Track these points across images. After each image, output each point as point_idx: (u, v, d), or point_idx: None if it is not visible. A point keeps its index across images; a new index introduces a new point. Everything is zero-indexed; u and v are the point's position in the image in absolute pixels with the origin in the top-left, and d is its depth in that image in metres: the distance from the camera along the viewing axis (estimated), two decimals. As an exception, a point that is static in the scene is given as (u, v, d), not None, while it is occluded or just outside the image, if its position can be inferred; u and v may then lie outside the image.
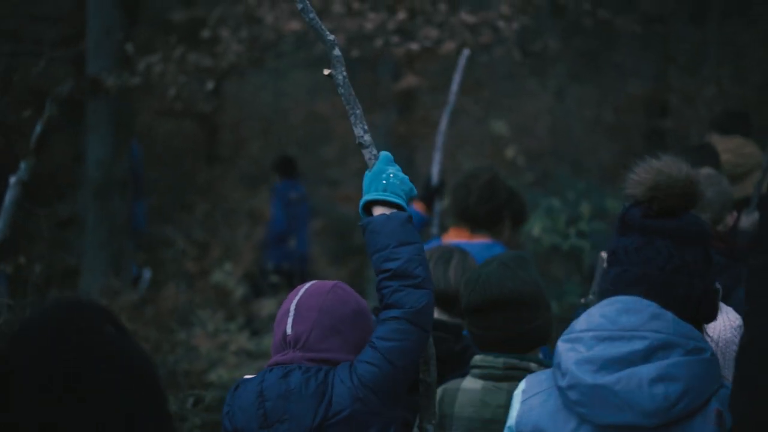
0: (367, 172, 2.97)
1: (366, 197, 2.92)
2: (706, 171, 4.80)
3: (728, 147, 6.94)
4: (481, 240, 4.85)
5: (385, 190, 2.90)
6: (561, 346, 2.37)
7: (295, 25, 7.88)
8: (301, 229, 10.56)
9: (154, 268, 9.28)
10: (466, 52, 5.98)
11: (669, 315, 2.31)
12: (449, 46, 7.77)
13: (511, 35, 7.76)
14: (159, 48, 8.45)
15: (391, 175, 2.93)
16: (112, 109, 8.18)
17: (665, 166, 2.45)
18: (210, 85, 8.18)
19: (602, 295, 2.45)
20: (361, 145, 2.98)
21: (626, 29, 9.43)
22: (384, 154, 2.99)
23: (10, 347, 1.82)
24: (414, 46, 7.54)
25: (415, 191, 2.97)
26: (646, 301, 2.33)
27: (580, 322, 2.38)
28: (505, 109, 12.73)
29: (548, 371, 2.47)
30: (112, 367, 1.83)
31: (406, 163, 10.72)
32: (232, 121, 14.78)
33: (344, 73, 2.98)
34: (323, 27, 2.96)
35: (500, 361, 3.10)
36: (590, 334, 2.32)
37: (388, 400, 2.81)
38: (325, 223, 13.70)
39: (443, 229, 5.49)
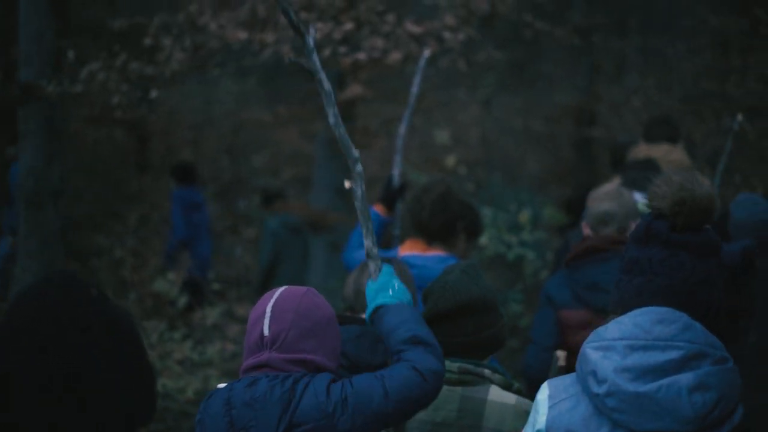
0: (370, 282, 3.14)
1: (377, 302, 3.07)
2: (606, 187, 5.03)
3: (655, 154, 7.15)
4: (436, 253, 4.93)
5: (393, 297, 3.09)
6: (592, 353, 2.45)
7: (240, 34, 7.86)
8: (202, 235, 10.49)
9: (87, 278, 9.16)
10: (425, 54, 6.01)
11: (699, 325, 2.42)
12: (395, 56, 7.84)
13: (457, 46, 7.85)
14: (92, 55, 8.35)
15: (396, 286, 3.12)
16: (44, 117, 8.02)
17: (687, 182, 2.55)
18: (153, 94, 8.11)
19: (623, 302, 2.57)
20: (368, 256, 3.14)
21: (564, 41, 9.59)
22: (387, 267, 3.15)
23: (12, 315, 1.93)
24: (362, 56, 7.58)
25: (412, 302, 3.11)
26: (678, 312, 2.42)
27: (611, 331, 2.46)
28: (440, 119, 12.86)
29: (571, 377, 2.55)
30: (101, 327, 1.92)
31: (347, 171, 10.74)
32: (162, 129, 14.65)
33: (363, 188, 3.15)
34: (351, 143, 3.15)
35: (456, 366, 3.21)
36: (624, 342, 2.41)
37: (360, 429, 2.85)
38: (258, 231, 13.67)
39: (404, 231, 5.53)
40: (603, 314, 4.68)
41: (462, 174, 9.71)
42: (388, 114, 11.34)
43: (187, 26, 8.44)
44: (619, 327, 2.45)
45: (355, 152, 3.16)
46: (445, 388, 3.16)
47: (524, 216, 8.28)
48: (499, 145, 14.94)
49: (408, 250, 5.02)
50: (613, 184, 5.22)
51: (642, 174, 6.34)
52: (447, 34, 7.81)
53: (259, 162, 14.87)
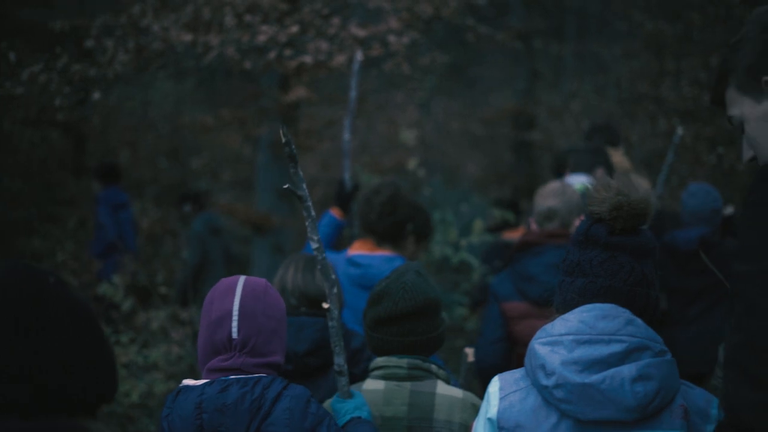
0: (337, 397, 3.27)
1: (357, 414, 3.20)
2: (552, 185, 5.18)
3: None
4: (382, 253, 4.98)
5: (368, 415, 3.24)
6: (540, 349, 2.56)
7: (185, 37, 7.82)
8: (128, 236, 10.43)
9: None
10: (357, 57, 6.06)
11: (639, 321, 2.56)
12: (340, 59, 7.86)
13: (401, 49, 7.90)
14: (32, 56, 8.25)
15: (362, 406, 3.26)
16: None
17: (624, 187, 2.66)
18: (96, 96, 8.03)
19: (566, 303, 2.67)
20: (339, 373, 3.25)
21: (504, 45, 9.69)
22: (362, 400, 3.26)
23: None
24: (307, 59, 7.59)
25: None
26: (621, 309, 2.57)
27: (558, 327, 2.57)
28: (383, 121, 12.91)
29: (520, 371, 2.67)
30: (59, 312, 1.98)
31: (288, 173, 10.71)
32: (100, 132, 14.49)
33: (337, 309, 3.22)
34: (330, 271, 3.20)
35: (404, 361, 3.33)
36: (570, 337, 2.53)
37: None
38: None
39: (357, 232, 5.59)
40: (537, 305, 4.86)
41: (410, 178, 9.76)
42: (330, 116, 11.36)
43: (130, 28, 8.37)
44: (565, 323, 2.57)
45: (333, 275, 3.24)
46: (394, 384, 3.31)
47: (478, 224, 8.34)
48: (439, 147, 15.03)
49: (357, 249, 5.09)
50: (558, 182, 5.35)
51: (587, 157, 6.57)
52: (392, 38, 7.85)
53: (199, 164, 14.76)
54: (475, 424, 2.68)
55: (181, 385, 3.09)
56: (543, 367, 2.53)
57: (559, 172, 7.43)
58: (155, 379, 7.48)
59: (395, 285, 3.40)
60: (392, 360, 3.34)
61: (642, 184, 2.82)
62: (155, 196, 14.30)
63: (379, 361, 3.37)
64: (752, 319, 1.76)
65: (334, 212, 5.49)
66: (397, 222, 5.01)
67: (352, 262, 5.03)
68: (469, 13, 10.20)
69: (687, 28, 13.22)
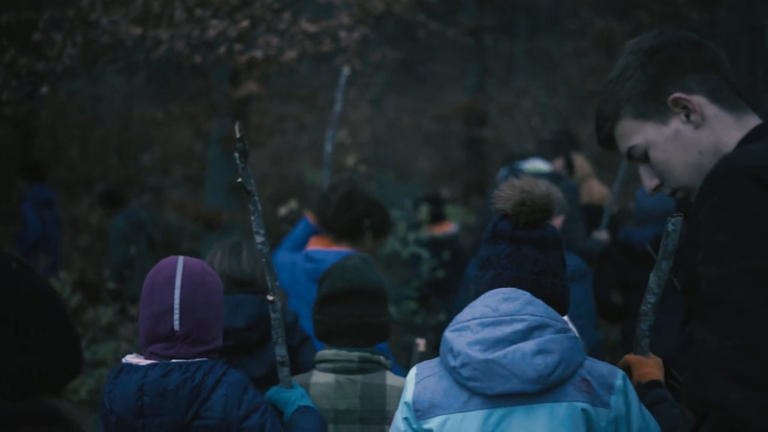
0: (278, 387, 3.35)
1: (302, 403, 3.28)
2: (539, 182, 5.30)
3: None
4: (341, 248, 5.02)
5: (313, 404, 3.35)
6: (449, 335, 2.72)
7: (134, 31, 7.76)
8: (53, 235, 10.36)
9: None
10: (345, 71, 6.19)
11: (540, 302, 2.74)
12: (290, 54, 7.85)
13: (352, 45, 7.90)
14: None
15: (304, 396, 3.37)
16: None
17: (527, 185, 2.85)
18: (44, 90, 7.93)
19: (479, 295, 2.82)
20: (282, 363, 3.32)
21: (455, 42, 9.73)
22: (302, 390, 3.35)
23: None
24: (258, 54, 7.57)
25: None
26: (521, 291, 2.75)
27: (464, 314, 2.75)
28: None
29: (436, 359, 2.80)
30: (24, 297, 2.05)
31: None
32: (49, 126, 14.32)
33: (279, 302, 3.31)
34: (272, 265, 3.26)
35: (355, 354, 3.37)
36: (476, 321, 2.69)
37: None
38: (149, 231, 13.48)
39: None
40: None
41: (362, 172, 9.74)
42: (281, 112, 11.33)
43: (78, 21, 8.29)
44: (471, 309, 2.75)
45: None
46: (345, 377, 3.35)
47: (424, 212, 8.39)
48: (390, 143, 15.05)
49: (314, 245, 5.15)
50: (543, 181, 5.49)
51: (548, 147, 6.81)
52: (342, 33, 7.85)
53: (150, 160, 14.64)
54: (397, 411, 2.79)
55: (123, 362, 3.16)
56: (451, 350, 2.69)
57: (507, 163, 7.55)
58: (104, 376, 7.44)
59: (337, 267, 3.48)
60: (342, 353, 3.37)
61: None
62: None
63: (328, 354, 3.39)
64: (743, 320, 1.75)
65: (310, 217, 5.53)
66: (354, 218, 5.06)
67: (308, 257, 5.07)
68: (421, 10, 10.23)
69: (636, 27, 13.35)
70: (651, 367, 3.02)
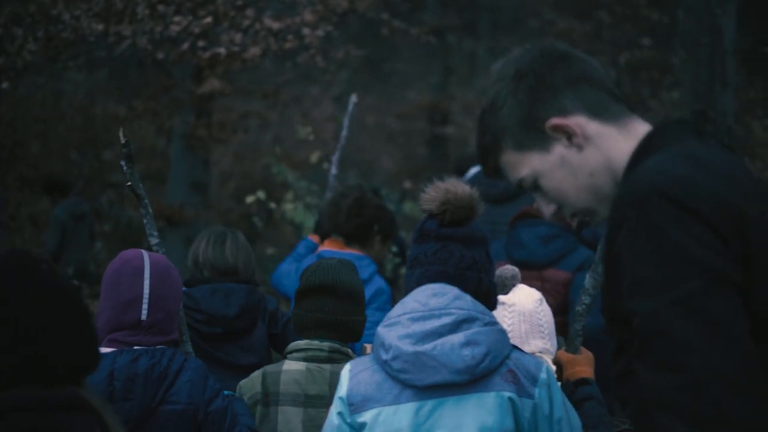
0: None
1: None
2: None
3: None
4: (352, 251, 5.16)
5: None
6: (382, 330, 2.80)
7: (96, 26, 7.74)
8: None
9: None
10: (353, 98, 6.35)
11: (468, 296, 2.81)
12: (254, 51, 7.86)
13: (315, 42, 7.92)
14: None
15: None
16: None
17: (451, 185, 2.94)
18: (4, 85, 7.91)
19: (409, 292, 2.89)
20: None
21: (419, 40, 9.77)
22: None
23: None
24: (221, 51, 7.57)
25: None
26: (449, 286, 2.82)
27: (396, 310, 2.82)
28: (297, 114, 12.90)
29: (370, 355, 2.87)
30: (52, 295, 2.21)
31: (203, 165, 10.70)
32: (8, 122, 14.18)
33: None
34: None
35: (326, 345, 3.48)
36: (406, 316, 2.77)
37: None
38: (112, 225, 13.45)
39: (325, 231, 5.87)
40: (519, 266, 5.14)
41: (324, 170, 9.74)
42: (245, 109, 11.32)
43: (40, 16, 8.25)
44: (402, 305, 2.82)
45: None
46: (315, 365, 3.47)
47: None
48: (353, 141, 15.03)
49: (326, 247, 5.32)
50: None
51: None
52: (306, 31, 7.87)
53: (112, 156, 14.55)
54: (331, 406, 2.85)
55: None
56: (383, 344, 2.76)
57: (461, 171, 7.68)
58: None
59: (313, 264, 3.60)
60: (314, 343, 3.48)
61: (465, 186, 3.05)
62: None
63: (301, 344, 3.50)
64: (683, 356, 1.65)
65: (313, 238, 5.79)
66: (363, 224, 5.23)
67: (321, 257, 5.17)
68: (384, 8, 10.27)
69: (597, 26, 13.48)
70: (581, 365, 3.19)
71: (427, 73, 15.42)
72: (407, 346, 2.70)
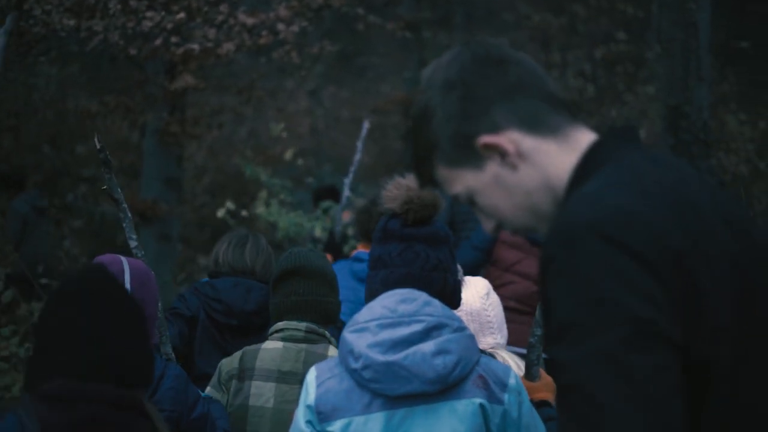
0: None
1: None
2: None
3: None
4: None
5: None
6: (349, 336, 2.75)
7: (68, 21, 7.66)
8: None
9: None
10: (366, 124, 6.50)
11: (437, 301, 2.78)
12: (228, 46, 7.80)
13: (290, 38, 7.87)
14: None
15: None
16: None
17: (413, 183, 2.88)
18: (-25, 80, 7.81)
19: (372, 294, 2.88)
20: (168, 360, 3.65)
21: (394, 34, 9.72)
22: None
23: (56, 306, 2.43)
24: (194, 47, 7.51)
25: None
26: (418, 292, 2.79)
27: (363, 314, 2.78)
28: (272, 109, 12.84)
29: (335, 359, 2.84)
30: (132, 312, 2.47)
31: (176, 161, 10.63)
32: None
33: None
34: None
35: (303, 325, 3.62)
36: (375, 323, 2.72)
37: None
38: (84, 221, 13.36)
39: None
40: (532, 243, 5.46)
41: (299, 166, 9.75)
42: (219, 104, 11.25)
43: (11, 11, 8.15)
44: (369, 311, 2.77)
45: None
46: (291, 344, 3.60)
47: (326, 206, 8.44)
48: (328, 136, 15.03)
49: (361, 249, 5.58)
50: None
51: None
52: (281, 26, 7.81)
53: (84, 151, 14.44)
54: (296, 412, 2.81)
55: None
56: (351, 352, 2.71)
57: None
58: (38, 372, 7.31)
59: (294, 250, 3.77)
60: (292, 323, 3.61)
61: None
62: (38, 182, 13.93)
63: (279, 325, 3.64)
64: (596, 411, 1.52)
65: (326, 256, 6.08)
66: None
67: (357, 258, 5.49)
68: (359, 3, 10.22)
69: (572, 21, 13.51)
70: (540, 392, 3.21)
71: (402, 67, 15.39)
72: (377, 356, 2.67)
